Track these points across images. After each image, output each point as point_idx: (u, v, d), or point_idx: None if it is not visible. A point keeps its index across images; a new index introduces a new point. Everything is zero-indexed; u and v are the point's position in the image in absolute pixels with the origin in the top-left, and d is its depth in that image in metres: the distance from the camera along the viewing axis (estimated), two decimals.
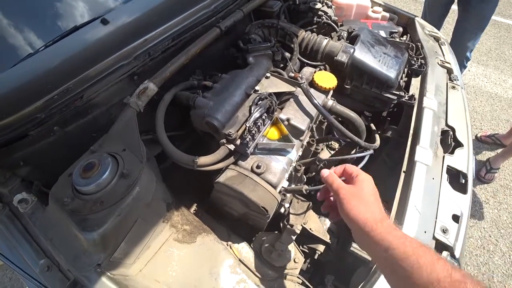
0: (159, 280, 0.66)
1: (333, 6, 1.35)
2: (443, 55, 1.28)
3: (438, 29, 2.14)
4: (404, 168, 0.82)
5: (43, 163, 0.80)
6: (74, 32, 0.84)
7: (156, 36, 0.83)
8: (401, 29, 1.45)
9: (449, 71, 1.19)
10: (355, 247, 0.80)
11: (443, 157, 0.85)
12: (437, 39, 1.37)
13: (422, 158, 0.81)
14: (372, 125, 1.13)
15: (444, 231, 0.70)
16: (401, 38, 1.40)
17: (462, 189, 0.82)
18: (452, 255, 0.69)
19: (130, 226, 0.66)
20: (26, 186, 0.76)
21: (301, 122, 0.78)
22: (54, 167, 0.72)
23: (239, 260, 0.80)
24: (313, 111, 0.81)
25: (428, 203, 0.73)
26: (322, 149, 1.12)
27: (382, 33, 1.28)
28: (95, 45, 0.80)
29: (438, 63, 1.20)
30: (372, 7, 1.45)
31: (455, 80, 1.16)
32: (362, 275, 0.71)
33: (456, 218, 0.73)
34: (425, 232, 0.68)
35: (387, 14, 1.45)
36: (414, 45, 1.28)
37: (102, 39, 0.81)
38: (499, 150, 2.06)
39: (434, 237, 0.69)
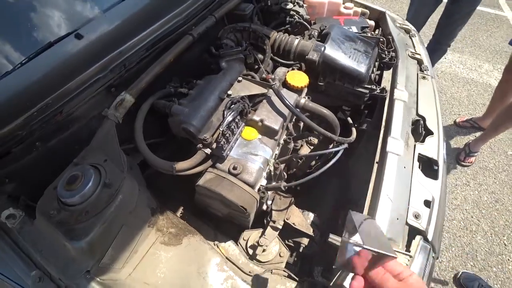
0: (148, 282, 0.70)
1: (304, 5, 1.38)
2: (414, 47, 1.33)
3: (423, 25, 2.21)
4: (377, 159, 0.87)
5: (28, 178, 0.82)
6: (49, 48, 0.85)
7: (130, 48, 0.86)
8: (373, 23, 1.49)
9: (420, 62, 1.24)
10: (332, 237, 0.84)
11: (414, 146, 0.90)
12: (407, 31, 1.43)
13: (394, 149, 0.86)
14: (349, 119, 1.17)
15: (416, 216, 0.74)
16: (373, 32, 1.45)
17: (434, 175, 0.86)
18: (425, 239, 0.73)
19: (116, 233, 0.69)
20: (12, 201, 0.78)
21: (274, 122, 0.82)
22: (40, 181, 0.74)
23: (226, 258, 0.83)
24: (286, 111, 0.84)
25: (400, 191, 0.78)
26: (301, 146, 1.16)
27: (354, 29, 1.32)
28: (71, 60, 0.82)
29: (408, 55, 1.25)
30: (344, 4, 1.49)
31: (425, 70, 1.21)
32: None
33: (427, 203, 0.78)
34: (397, 219, 0.73)
35: (359, 10, 1.50)
36: (385, 38, 1.32)
37: (77, 53, 0.83)
38: (478, 134, 2.14)
39: (407, 223, 0.73)
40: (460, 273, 1.52)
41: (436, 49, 2.21)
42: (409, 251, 0.68)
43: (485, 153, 2.09)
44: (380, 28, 1.47)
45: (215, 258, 0.78)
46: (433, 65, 2.35)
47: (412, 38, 1.39)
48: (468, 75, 2.67)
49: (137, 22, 0.90)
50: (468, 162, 2.03)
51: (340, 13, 1.48)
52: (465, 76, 2.69)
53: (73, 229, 0.64)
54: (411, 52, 1.27)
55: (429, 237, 0.72)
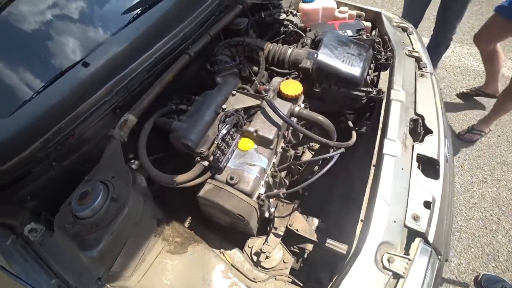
0: None
1: (298, 13, 1.42)
2: (412, 44, 1.32)
3: (420, 19, 2.18)
4: (373, 162, 0.87)
5: (47, 195, 0.90)
6: (60, 77, 0.93)
7: (132, 71, 0.93)
8: (369, 24, 1.50)
9: (418, 60, 1.23)
10: (329, 242, 0.85)
11: (413, 146, 0.89)
12: (405, 30, 1.42)
13: (390, 150, 0.86)
14: (350, 122, 1.18)
15: (415, 218, 0.74)
16: (370, 33, 1.45)
17: (435, 175, 0.85)
18: (426, 241, 0.72)
19: (123, 243, 0.74)
20: (34, 217, 0.86)
21: (269, 132, 0.85)
22: (57, 197, 0.82)
23: (231, 265, 0.86)
24: (280, 120, 0.87)
25: (398, 193, 0.78)
26: (303, 152, 1.18)
27: (349, 32, 1.34)
28: (80, 87, 0.90)
29: (406, 53, 1.25)
30: (338, 8, 1.51)
31: (424, 67, 1.20)
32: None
33: (427, 205, 0.77)
34: (394, 221, 0.72)
35: (354, 12, 1.51)
36: (381, 39, 1.33)
37: (85, 80, 0.90)
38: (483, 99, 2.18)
39: (405, 225, 0.73)
40: (481, 275, 1.45)
41: (439, 43, 2.17)
42: (408, 254, 0.67)
43: (502, 146, 1.99)
44: (377, 29, 1.48)
45: (219, 265, 0.81)
46: (439, 59, 2.30)
47: (410, 36, 1.38)
48: (479, 67, 2.55)
49: (137, 47, 0.97)
50: (469, 139, 2.02)
51: (335, 18, 1.50)
52: (475, 68, 2.59)
53: (85, 240, 0.70)
54: (408, 50, 1.26)
55: (430, 239, 0.71)
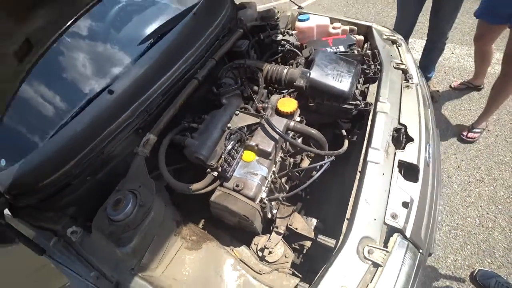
0: (176, 278, 0.89)
1: (294, 32, 1.56)
2: (400, 57, 1.44)
3: (413, 25, 2.28)
4: (359, 168, 1.00)
5: (83, 203, 1.07)
6: (89, 104, 1.10)
7: (150, 96, 1.09)
8: (362, 38, 1.62)
9: (404, 72, 1.34)
10: (320, 237, 0.98)
11: (395, 153, 1.02)
12: (394, 42, 1.53)
13: (373, 158, 0.98)
14: (343, 131, 1.31)
15: (394, 216, 0.86)
16: (363, 46, 1.58)
17: (415, 178, 0.97)
18: (404, 236, 0.84)
19: (150, 240, 0.90)
20: (72, 221, 1.02)
21: (267, 145, 0.99)
22: (91, 205, 0.99)
23: (239, 259, 1.01)
24: (276, 135, 1.02)
25: (379, 195, 0.90)
26: (302, 159, 1.32)
27: (342, 47, 1.47)
28: (107, 111, 1.06)
29: (393, 66, 1.36)
30: (331, 24, 1.64)
31: (410, 79, 1.31)
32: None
33: (405, 204, 0.88)
34: (375, 219, 0.85)
35: (347, 27, 1.63)
36: (372, 52, 1.45)
37: (111, 106, 1.07)
38: (474, 93, 2.39)
39: (384, 223, 0.85)
40: (477, 270, 1.53)
41: (433, 48, 2.27)
42: (387, 247, 0.80)
43: (500, 146, 2.05)
44: (369, 42, 1.60)
45: (229, 259, 0.96)
46: (435, 63, 2.38)
47: (399, 48, 1.49)
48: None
49: (153, 74, 1.14)
50: (470, 138, 2.11)
51: (329, 34, 1.63)
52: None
53: (120, 238, 0.86)
54: (396, 63, 1.37)
55: (408, 235, 0.83)
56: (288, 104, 1.10)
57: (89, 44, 1.31)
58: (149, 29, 1.37)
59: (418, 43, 3.01)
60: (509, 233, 1.65)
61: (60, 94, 1.21)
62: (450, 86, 2.54)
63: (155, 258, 0.90)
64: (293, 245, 1.14)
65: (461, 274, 1.55)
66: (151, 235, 0.91)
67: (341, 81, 1.18)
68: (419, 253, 0.86)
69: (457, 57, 2.82)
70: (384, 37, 1.56)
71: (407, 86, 1.27)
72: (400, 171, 0.98)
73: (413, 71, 1.37)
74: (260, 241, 1.09)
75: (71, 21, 0.86)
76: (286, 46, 1.43)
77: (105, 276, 0.90)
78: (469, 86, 2.48)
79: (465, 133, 2.13)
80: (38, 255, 0.97)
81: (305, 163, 1.33)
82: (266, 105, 1.11)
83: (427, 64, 2.39)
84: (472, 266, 1.57)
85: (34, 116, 1.17)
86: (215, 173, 0.94)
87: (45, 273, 1.50)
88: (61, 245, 1.01)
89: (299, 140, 1.21)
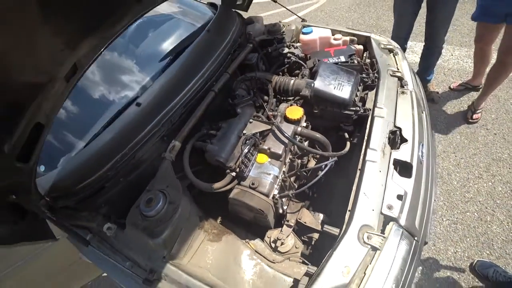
0: (201, 266, 1.03)
1: (299, 44, 1.70)
2: (396, 65, 1.57)
3: (410, 32, 2.40)
4: (359, 166, 1.13)
5: (116, 203, 1.22)
6: (120, 115, 1.24)
7: (172, 107, 1.24)
8: (361, 47, 1.76)
9: (400, 79, 1.47)
10: (326, 227, 1.11)
11: (390, 153, 1.14)
12: (391, 51, 1.66)
13: (371, 157, 1.11)
14: (346, 134, 1.44)
15: (389, 207, 0.99)
16: (362, 55, 1.71)
17: (408, 174, 1.09)
18: (399, 224, 0.97)
19: (178, 233, 1.05)
20: (106, 219, 1.16)
21: (278, 148, 1.13)
22: (122, 204, 1.13)
23: (255, 250, 1.14)
24: (286, 139, 1.16)
25: (376, 189, 1.03)
26: (308, 160, 1.45)
27: (342, 58, 1.60)
28: (135, 121, 1.21)
29: (390, 74, 1.49)
30: (333, 35, 1.78)
31: (405, 85, 1.44)
32: None
33: (400, 197, 1.01)
34: (372, 210, 0.98)
35: (347, 38, 1.77)
36: (370, 61, 1.58)
37: (139, 116, 1.22)
38: (473, 94, 2.52)
39: (381, 213, 0.98)
40: (475, 261, 1.62)
41: (430, 53, 2.39)
42: (384, 234, 0.92)
43: (498, 144, 2.15)
44: (368, 51, 1.73)
45: (246, 250, 1.10)
46: (433, 67, 2.50)
47: (395, 56, 1.62)
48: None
49: (174, 88, 1.29)
50: (476, 119, 2.32)
51: (331, 45, 1.77)
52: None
53: (153, 231, 1.01)
54: (392, 71, 1.50)
55: (402, 223, 0.96)
56: (295, 111, 1.24)
57: (117, 60, 1.47)
58: (167, 44, 1.53)
59: (418, 46, 3.11)
60: (507, 226, 1.74)
61: (92, 108, 1.36)
62: (449, 87, 2.64)
63: (182, 248, 1.05)
64: (302, 237, 1.27)
65: (461, 265, 1.65)
66: (179, 228, 1.05)
67: (342, 90, 1.31)
68: (414, 240, 0.99)
69: (457, 58, 2.92)
70: (382, 46, 1.69)
71: (403, 92, 1.40)
72: (395, 168, 1.10)
73: (408, 78, 1.49)
74: (272, 234, 1.23)
75: (108, 43, 1.01)
76: (291, 58, 1.58)
77: (139, 265, 1.05)
78: (468, 87, 2.57)
79: (469, 116, 2.34)
80: (83, 246, 1.12)
81: (312, 164, 1.47)
82: (276, 113, 1.25)
83: (426, 67, 2.50)
84: (471, 257, 1.67)
85: (70, 127, 1.33)
86: (233, 173, 1.09)
87: (78, 267, 1.67)
88: (97, 240, 1.15)
89: (306, 143, 1.35)
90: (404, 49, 2.46)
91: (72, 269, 1.68)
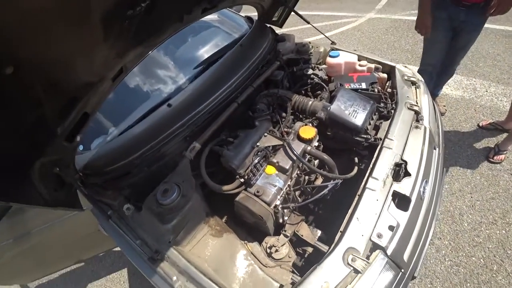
0: (200, 256, 1.16)
1: (324, 66, 1.79)
2: (416, 98, 1.59)
3: (440, 60, 2.39)
4: (359, 192, 1.19)
5: (137, 188, 1.38)
6: (152, 113, 1.42)
7: (198, 112, 1.39)
8: (385, 76, 1.80)
9: (417, 113, 1.50)
10: (316, 243, 1.19)
11: (391, 184, 1.19)
12: (413, 83, 1.69)
13: (372, 186, 1.17)
14: (356, 159, 1.50)
15: (379, 235, 1.04)
16: (386, 83, 1.75)
17: (405, 207, 1.14)
18: (385, 253, 1.02)
19: (185, 223, 1.19)
20: (126, 200, 1.30)
21: (286, 163, 1.24)
22: (142, 190, 1.28)
23: (251, 252, 1.25)
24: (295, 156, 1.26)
25: (370, 217, 1.09)
26: (316, 178, 1.53)
27: (364, 85, 1.66)
28: (164, 120, 1.37)
29: (407, 106, 1.53)
30: (359, 61, 1.84)
31: (421, 120, 1.47)
32: None
33: (391, 228, 1.07)
34: (362, 235, 1.04)
35: (372, 66, 1.82)
36: (390, 92, 1.63)
37: (168, 116, 1.38)
38: (503, 135, 2.36)
39: (370, 239, 1.04)
40: None
41: (443, 72, 2.44)
42: (368, 259, 0.99)
43: None
44: (391, 80, 1.77)
45: (243, 250, 1.21)
46: (442, 85, 2.59)
47: (417, 89, 1.65)
48: (506, 108, 2.59)
49: (203, 95, 1.44)
50: (498, 160, 2.22)
51: (356, 70, 1.83)
52: (507, 110, 2.60)
53: (165, 218, 1.16)
54: (410, 104, 1.53)
55: (388, 253, 1.01)
56: (308, 131, 1.34)
57: (156, 63, 1.66)
58: (203, 52, 1.70)
59: None
60: None
61: (129, 103, 1.55)
62: (478, 125, 2.53)
63: (187, 237, 1.19)
64: (297, 249, 1.35)
65: None
66: (187, 219, 1.20)
67: (356, 116, 1.38)
68: (400, 272, 1.04)
69: (491, 95, 2.80)
70: (405, 78, 1.72)
71: (416, 127, 1.43)
72: (393, 200, 1.15)
73: (426, 113, 1.52)
74: (270, 240, 1.33)
75: (151, 51, 1.19)
76: (314, 79, 1.67)
77: (147, 244, 1.19)
78: (498, 128, 2.44)
79: (491, 156, 2.25)
80: (104, 220, 1.29)
81: (319, 182, 1.55)
82: (290, 130, 1.36)
83: (436, 85, 2.58)
84: None
85: (108, 117, 1.52)
86: (242, 180, 1.21)
87: (93, 239, 1.87)
88: (116, 216, 1.32)
89: (316, 162, 1.43)
90: (432, 78, 2.45)
91: (88, 239, 1.89)
